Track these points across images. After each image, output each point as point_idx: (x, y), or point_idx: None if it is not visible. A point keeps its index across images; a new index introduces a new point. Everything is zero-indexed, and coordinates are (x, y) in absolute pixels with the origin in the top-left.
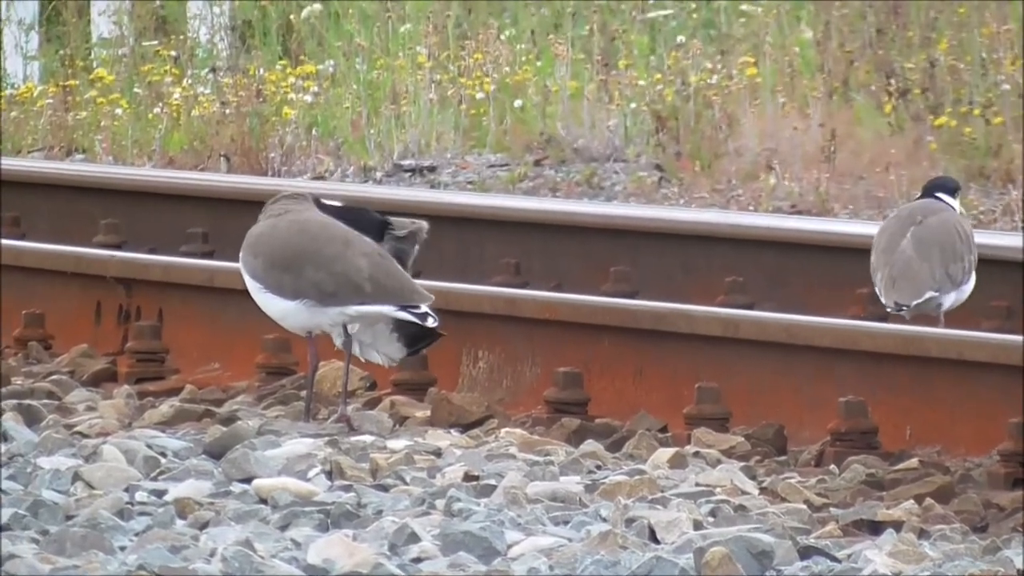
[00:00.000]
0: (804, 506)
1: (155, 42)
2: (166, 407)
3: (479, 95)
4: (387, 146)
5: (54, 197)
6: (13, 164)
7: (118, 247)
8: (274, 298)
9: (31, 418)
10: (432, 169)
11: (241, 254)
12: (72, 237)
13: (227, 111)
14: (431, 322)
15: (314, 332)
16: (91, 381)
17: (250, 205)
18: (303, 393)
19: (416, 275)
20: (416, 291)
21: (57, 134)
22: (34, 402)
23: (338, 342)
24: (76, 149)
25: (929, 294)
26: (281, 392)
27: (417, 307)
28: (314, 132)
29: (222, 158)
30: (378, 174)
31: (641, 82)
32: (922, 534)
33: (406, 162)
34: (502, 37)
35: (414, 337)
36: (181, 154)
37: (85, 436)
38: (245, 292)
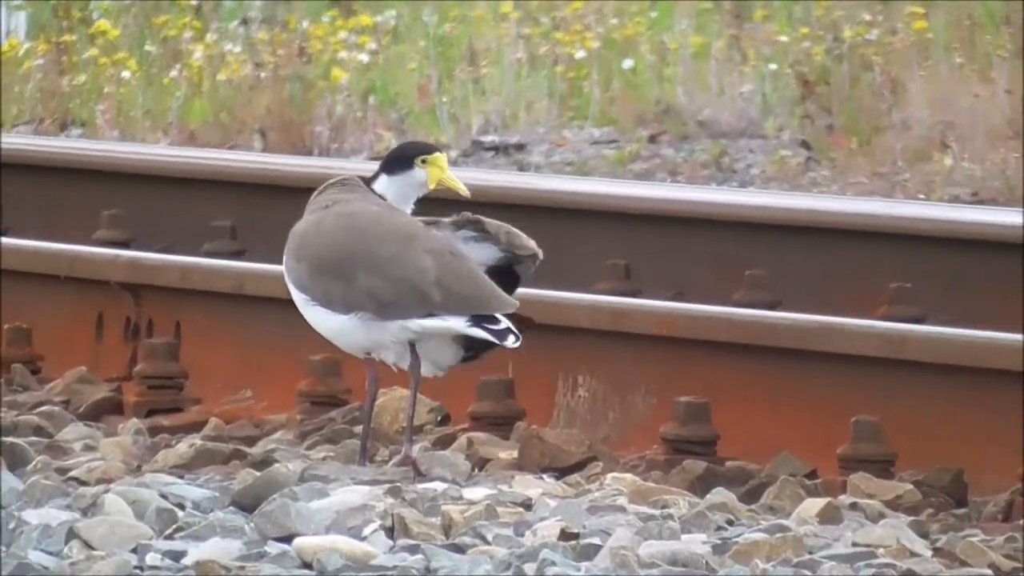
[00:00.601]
0: (989, 571)
1: None
2: (184, 446)
3: (579, 54)
4: (463, 118)
5: (44, 182)
6: None
7: (125, 244)
8: (323, 312)
9: (15, 460)
10: (520, 147)
11: (284, 258)
12: (67, 232)
13: (262, 74)
14: (511, 341)
15: (375, 353)
16: (90, 413)
17: (290, 193)
18: (358, 429)
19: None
20: (496, 297)
21: (49, 103)
22: (19, 440)
23: (403, 363)
24: (72, 122)
25: None
26: (329, 428)
27: (496, 321)
28: (371, 100)
29: (256, 134)
30: (452, 153)
31: (783, 38)
32: None
33: (487, 138)
34: None
35: (474, 340)
36: (204, 129)
37: (83, 483)
38: (284, 302)
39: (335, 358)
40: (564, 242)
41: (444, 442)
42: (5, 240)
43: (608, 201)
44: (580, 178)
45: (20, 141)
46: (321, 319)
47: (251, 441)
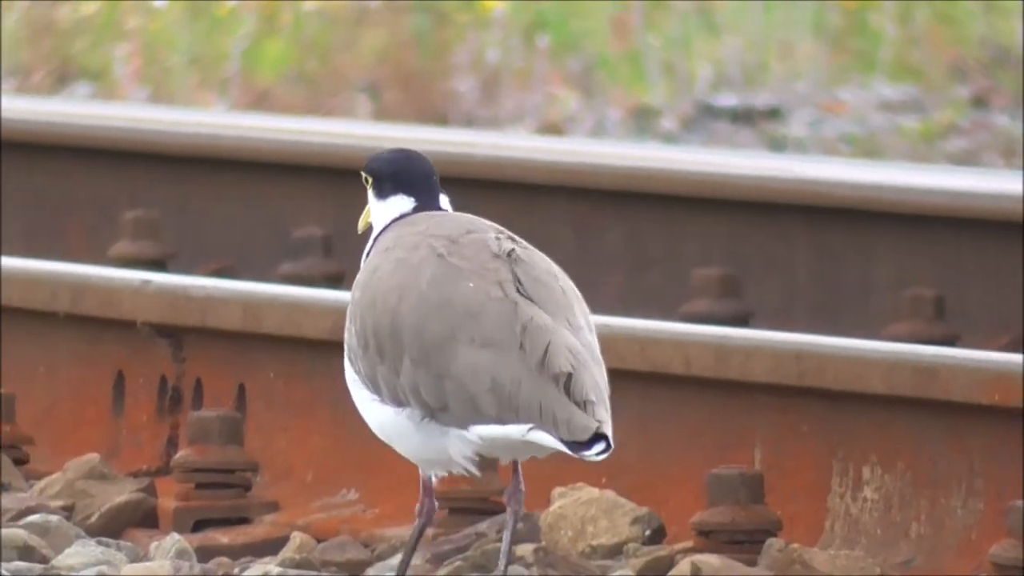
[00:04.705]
0: None
1: None
2: None
3: None
4: (683, 69)
5: (34, 169)
6: None
7: (158, 265)
8: (371, 399)
9: None
10: (774, 113)
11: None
12: (69, 246)
13: (370, 3)
14: (595, 453)
15: (438, 466)
16: (107, 526)
17: None
18: (520, 549)
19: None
20: (571, 417)
21: (40, 45)
22: None
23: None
24: (78, 74)
25: None
26: (478, 548)
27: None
28: (539, 41)
29: (362, 93)
30: (667, 123)
31: None
32: None
33: (721, 100)
34: None
35: None
36: (282, 84)
37: None
38: None
39: None
40: (840, 262)
41: (656, 568)
42: None
43: (910, 201)
44: (863, 162)
45: None
46: (368, 408)
47: (357, 568)
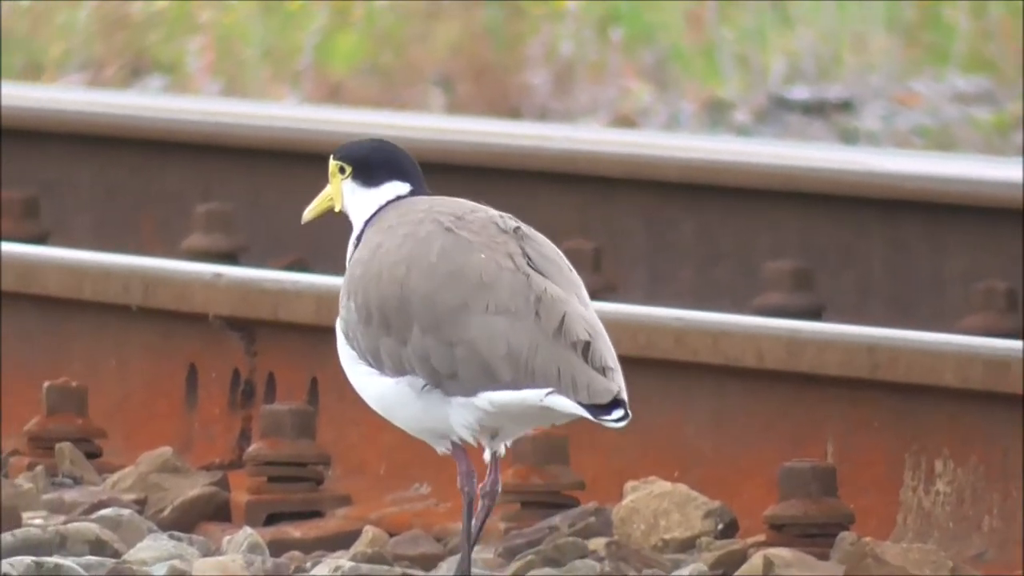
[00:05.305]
0: None
1: None
2: (326, 570)
3: None
4: (757, 61)
5: (106, 161)
6: (24, 99)
7: (230, 258)
8: (368, 373)
9: None
10: (846, 106)
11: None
12: (141, 239)
13: None
14: (615, 419)
15: (445, 435)
16: (179, 520)
17: (488, 178)
18: (592, 544)
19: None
20: (591, 380)
21: (112, 39)
22: (66, 561)
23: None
24: (151, 68)
25: None
26: (550, 542)
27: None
28: (612, 34)
29: (435, 87)
30: (740, 116)
31: None
32: None
33: (794, 93)
34: None
35: None
36: (354, 77)
37: None
38: None
39: (559, 435)
40: (912, 255)
41: (728, 562)
42: (45, 251)
43: (983, 193)
44: (937, 155)
45: (67, 98)
46: (364, 383)
47: (430, 563)
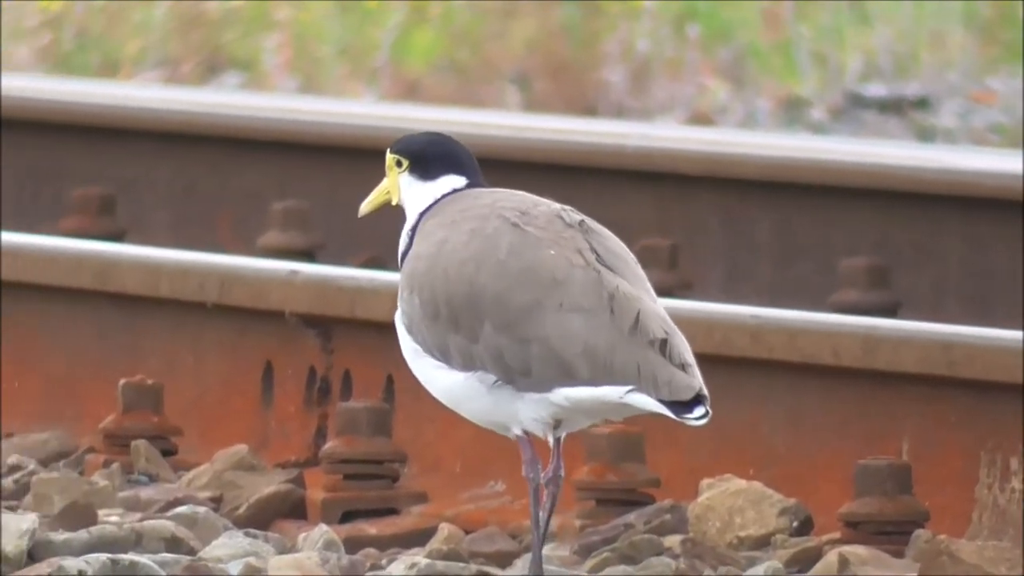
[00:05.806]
0: None
1: None
2: (402, 568)
3: None
4: (834, 58)
5: (183, 158)
6: (101, 96)
7: (307, 255)
8: (436, 367)
9: None
10: (923, 103)
11: (400, 288)
12: (216, 236)
13: None
14: (696, 416)
15: (513, 427)
16: (255, 517)
17: (567, 177)
18: (668, 541)
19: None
20: (670, 377)
21: (189, 37)
22: (141, 558)
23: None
24: (227, 65)
25: None
26: (625, 539)
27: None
28: (689, 31)
29: (512, 84)
30: (816, 113)
31: None
32: None
33: (871, 90)
34: None
35: None
36: (431, 74)
37: None
38: None
39: (634, 433)
40: (989, 252)
41: (804, 560)
42: (120, 249)
43: None
44: (1014, 152)
45: (143, 95)
46: (432, 377)
47: (505, 560)
